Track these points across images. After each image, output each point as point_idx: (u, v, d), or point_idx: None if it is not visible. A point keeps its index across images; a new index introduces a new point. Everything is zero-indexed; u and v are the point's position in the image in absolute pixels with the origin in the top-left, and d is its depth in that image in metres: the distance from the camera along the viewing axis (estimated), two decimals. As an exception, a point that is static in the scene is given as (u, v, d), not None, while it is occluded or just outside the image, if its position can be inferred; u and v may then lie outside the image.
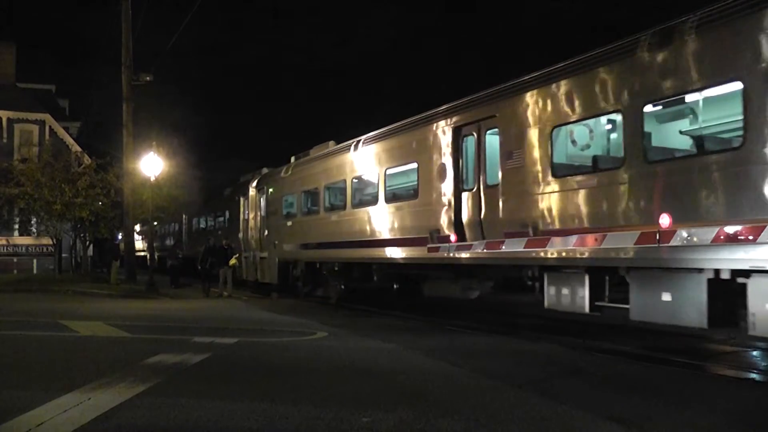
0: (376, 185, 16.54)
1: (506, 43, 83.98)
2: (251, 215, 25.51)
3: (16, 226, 33.96)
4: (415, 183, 14.86)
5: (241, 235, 26.55)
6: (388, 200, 16.08)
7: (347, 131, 19.27)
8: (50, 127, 35.66)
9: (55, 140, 34.60)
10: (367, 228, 16.79)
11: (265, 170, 25.89)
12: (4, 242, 33.99)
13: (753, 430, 6.14)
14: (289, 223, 21.67)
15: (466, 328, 13.45)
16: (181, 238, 39.19)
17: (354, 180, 17.80)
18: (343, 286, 19.24)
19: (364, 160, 17.19)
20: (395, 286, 17.64)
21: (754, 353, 10.73)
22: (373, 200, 16.72)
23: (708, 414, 6.58)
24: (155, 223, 42.19)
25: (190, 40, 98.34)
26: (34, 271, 33.67)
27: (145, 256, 36.39)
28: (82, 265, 32.97)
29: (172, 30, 32.20)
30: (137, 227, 37.74)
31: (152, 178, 25.95)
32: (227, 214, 29.82)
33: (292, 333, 12.58)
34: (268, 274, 23.41)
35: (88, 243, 33.24)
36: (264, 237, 23.71)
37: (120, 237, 38.52)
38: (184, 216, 38.44)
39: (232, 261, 23.35)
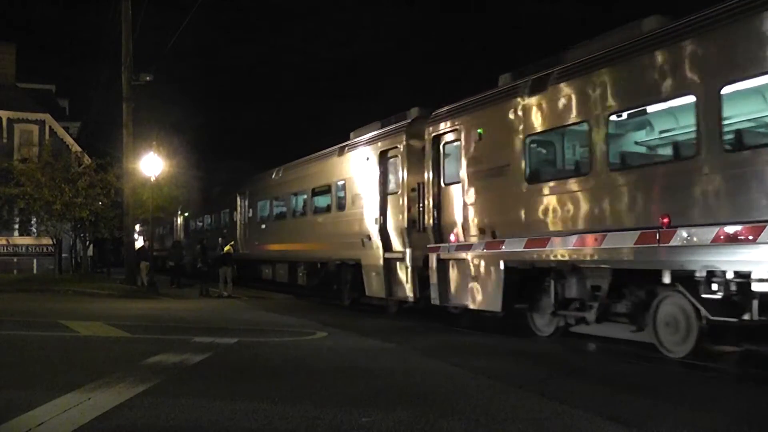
0: None
1: (505, 42, 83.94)
2: (403, 187, 15.16)
3: (16, 226, 33.91)
4: None
5: (377, 223, 16.07)
6: None
7: (347, 131, 19.04)
8: (50, 127, 35.61)
9: (55, 140, 34.54)
10: None
11: (414, 111, 15.68)
12: (4, 242, 33.95)
13: (753, 430, 6.13)
14: (546, 191, 11.30)
15: (466, 328, 13.45)
16: (234, 233, 27.39)
17: None
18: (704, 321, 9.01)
19: None
20: None
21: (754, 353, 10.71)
22: None
23: (708, 414, 6.59)
24: (186, 214, 36.24)
25: (190, 40, 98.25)
26: (34, 271, 33.62)
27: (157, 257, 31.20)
28: (82, 265, 32.96)
29: (173, 30, 32.21)
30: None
31: (152, 178, 25.95)
32: (336, 189, 18.64)
33: (292, 333, 12.58)
34: (476, 292, 12.67)
35: (88, 243, 33.23)
36: (464, 222, 13.10)
37: (139, 238, 36.71)
38: (238, 199, 27.40)
39: (227, 248, 23.14)
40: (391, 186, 15.87)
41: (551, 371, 8.79)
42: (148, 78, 26.77)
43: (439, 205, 13.99)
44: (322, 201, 20.15)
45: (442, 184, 13.99)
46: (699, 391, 7.76)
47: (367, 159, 16.75)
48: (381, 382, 7.91)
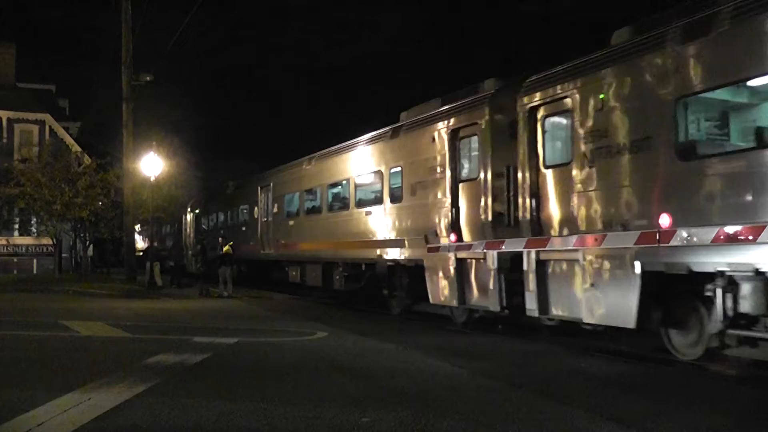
0: None
1: (505, 43, 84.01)
2: (485, 172, 12.51)
3: (16, 226, 33.99)
4: None
5: (448, 216, 13.35)
6: None
7: (346, 132, 18.96)
8: (50, 127, 35.68)
9: (55, 140, 34.62)
10: None
11: (491, 83, 13.08)
12: (4, 242, 34.00)
13: (753, 430, 6.13)
14: (712, 169, 8.63)
15: (466, 328, 13.44)
16: (255, 231, 24.72)
17: None
18: None
19: None
20: None
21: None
22: None
23: (708, 414, 6.58)
24: (196, 211, 33.44)
25: (190, 40, 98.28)
26: (34, 271, 33.68)
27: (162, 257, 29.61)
28: (82, 265, 33.01)
29: (173, 30, 32.18)
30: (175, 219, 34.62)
31: (152, 178, 25.96)
32: (389, 177, 15.80)
33: (292, 333, 12.57)
34: (595, 302, 9.83)
35: (88, 243, 33.29)
36: (577, 212, 10.47)
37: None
38: (260, 193, 24.34)
39: (226, 248, 23.15)
40: (466, 171, 13.21)
41: (551, 371, 8.78)
42: (148, 78, 26.82)
43: (537, 192, 11.25)
44: (369, 192, 17.27)
45: (542, 167, 11.25)
46: (699, 392, 7.75)
47: (433, 140, 13.90)
48: (381, 382, 7.91)
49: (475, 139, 12.88)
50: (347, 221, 17.86)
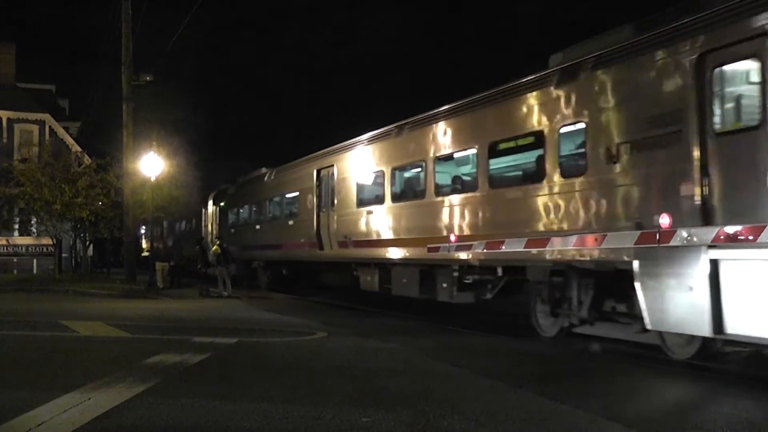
0: None
1: (504, 43, 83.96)
2: None
3: (16, 226, 33.96)
4: None
5: (692, 192, 8.39)
6: None
7: (346, 132, 18.82)
8: (50, 127, 35.70)
9: (55, 140, 34.63)
10: None
11: None
12: (4, 242, 33.98)
13: (754, 430, 6.13)
14: None
15: (466, 328, 13.44)
16: (309, 224, 19.75)
17: None
18: None
19: None
20: None
21: (755, 354, 10.71)
22: None
23: (709, 414, 6.59)
24: (221, 203, 29.25)
25: (190, 40, 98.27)
26: (34, 271, 33.66)
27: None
28: (82, 265, 32.99)
29: (173, 30, 32.15)
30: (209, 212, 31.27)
31: (152, 178, 25.96)
32: (555, 142, 10.93)
33: (292, 333, 12.57)
34: None
35: (88, 243, 33.28)
36: None
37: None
38: (318, 177, 19.57)
39: (214, 248, 23.14)
40: (731, 117, 8.50)
41: (552, 371, 8.79)
42: (148, 78, 26.83)
43: None
44: (514, 165, 12.66)
45: None
46: (700, 392, 7.76)
47: (657, 75, 9.08)
48: (381, 382, 7.91)
49: (751, 64, 8.08)
50: (474, 208, 12.90)
